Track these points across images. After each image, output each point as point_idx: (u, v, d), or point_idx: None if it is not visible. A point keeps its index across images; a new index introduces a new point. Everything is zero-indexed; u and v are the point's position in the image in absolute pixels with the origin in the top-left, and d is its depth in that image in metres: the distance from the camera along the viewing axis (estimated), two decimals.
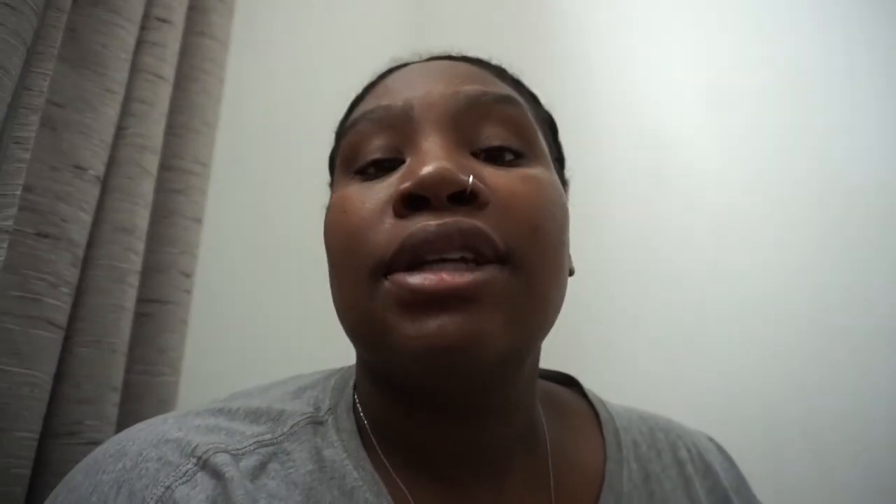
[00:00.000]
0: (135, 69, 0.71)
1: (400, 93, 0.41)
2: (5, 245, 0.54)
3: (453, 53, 0.47)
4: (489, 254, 0.35)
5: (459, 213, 0.36)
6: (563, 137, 0.50)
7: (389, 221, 0.37)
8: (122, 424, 0.64)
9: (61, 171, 0.62)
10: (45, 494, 0.56)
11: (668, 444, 0.49)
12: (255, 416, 0.41)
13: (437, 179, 0.35)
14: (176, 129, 0.79)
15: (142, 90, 0.72)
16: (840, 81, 1.10)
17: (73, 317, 0.62)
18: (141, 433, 0.39)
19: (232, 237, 0.94)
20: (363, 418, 0.43)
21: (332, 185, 0.47)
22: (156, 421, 0.41)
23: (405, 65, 0.46)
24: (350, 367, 0.47)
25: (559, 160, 0.48)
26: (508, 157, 0.40)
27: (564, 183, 0.48)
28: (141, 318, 0.71)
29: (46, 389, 0.57)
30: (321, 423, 0.41)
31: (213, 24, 0.86)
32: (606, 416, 0.49)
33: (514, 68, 0.49)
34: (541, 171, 0.41)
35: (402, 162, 0.39)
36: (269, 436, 0.40)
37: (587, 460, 0.46)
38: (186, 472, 0.36)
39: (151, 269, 0.73)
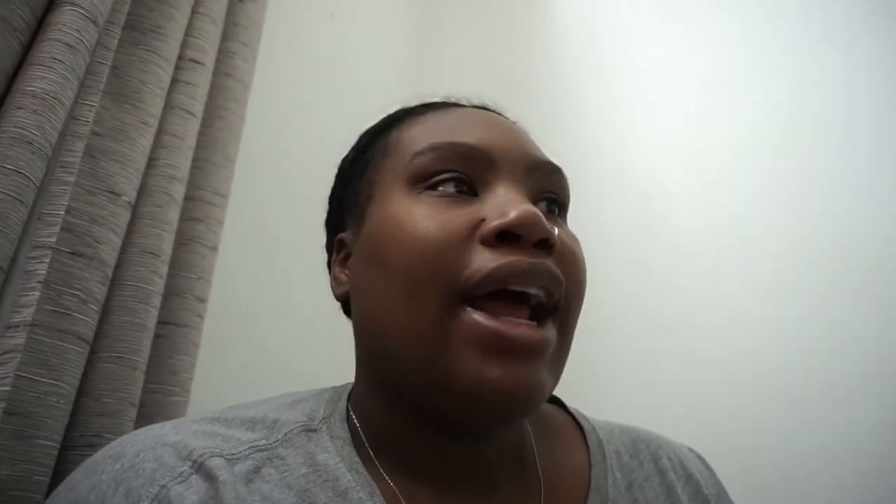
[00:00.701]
0: (168, 105, 0.77)
1: (480, 134, 0.45)
2: (47, 260, 0.58)
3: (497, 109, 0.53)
4: (556, 298, 0.41)
5: (540, 256, 0.40)
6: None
7: (478, 248, 0.40)
8: None
9: (97, 196, 0.66)
10: None
11: (649, 453, 0.52)
12: (250, 423, 0.43)
13: (535, 222, 0.39)
14: (199, 161, 0.83)
15: (173, 125, 0.77)
16: (832, 134, 1.19)
17: (99, 333, 0.65)
18: (139, 437, 0.41)
19: (243, 266, 0.98)
20: (358, 428, 0.45)
21: (367, 199, 0.47)
22: (154, 427, 0.43)
23: (464, 105, 0.51)
24: (344, 384, 0.50)
25: None
26: (558, 211, 0.47)
27: None
28: (157, 339, 0.74)
29: (70, 401, 0.60)
30: (315, 431, 0.44)
31: (237, 66, 0.92)
32: (589, 427, 0.52)
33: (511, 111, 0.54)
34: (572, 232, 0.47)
35: (474, 195, 0.43)
36: (263, 441, 0.42)
37: (574, 468, 0.49)
38: (181, 473, 0.38)
39: (168, 293, 0.77)
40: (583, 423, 0.53)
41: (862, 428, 1.02)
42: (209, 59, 0.84)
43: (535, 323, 0.40)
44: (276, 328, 1.05)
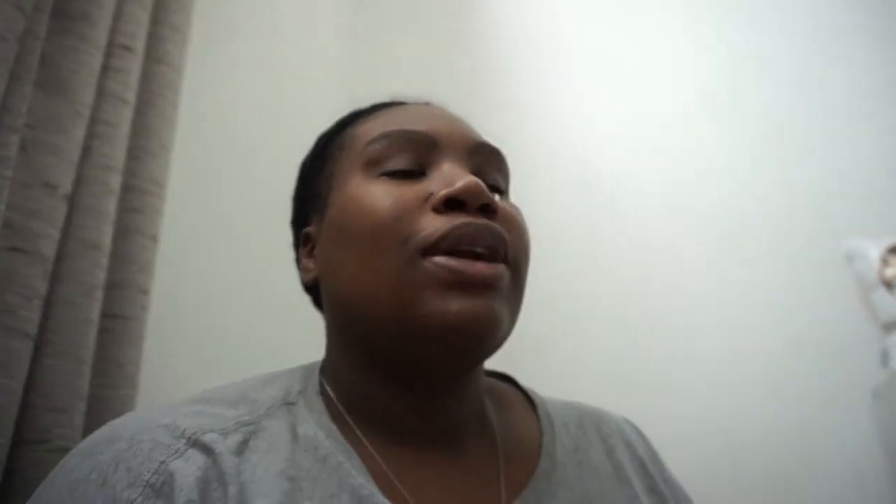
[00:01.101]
0: (100, 93, 0.75)
1: (425, 123, 0.51)
2: None
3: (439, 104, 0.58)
4: (502, 254, 0.46)
5: (484, 219, 0.45)
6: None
7: (430, 215, 0.45)
8: (86, 434, 0.66)
9: (33, 189, 0.64)
10: (15, 500, 0.59)
11: (592, 424, 0.59)
12: (232, 402, 0.46)
13: (478, 190, 0.45)
14: (134, 150, 0.82)
15: (106, 113, 0.75)
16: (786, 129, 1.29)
17: (43, 328, 0.64)
18: (129, 421, 0.43)
19: (186, 255, 0.97)
20: (333, 399, 0.49)
21: (328, 190, 0.52)
22: (139, 412, 0.45)
23: (410, 103, 0.56)
24: (312, 362, 0.53)
25: None
26: (498, 192, 0.52)
27: None
28: (101, 332, 0.73)
29: (19, 397, 0.59)
30: (293, 404, 0.47)
31: (168, 52, 0.90)
32: (539, 401, 0.58)
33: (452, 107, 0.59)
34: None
35: (422, 174, 0.48)
36: (247, 417, 0.45)
37: (527, 434, 0.54)
38: (178, 449, 0.40)
39: (110, 285, 0.76)
40: (534, 397, 0.59)
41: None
42: (140, 45, 0.82)
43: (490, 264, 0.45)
44: (221, 317, 1.04)
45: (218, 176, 1.10)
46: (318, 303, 0.57)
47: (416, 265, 0.44)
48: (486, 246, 0.44)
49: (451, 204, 0.45)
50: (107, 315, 0.75)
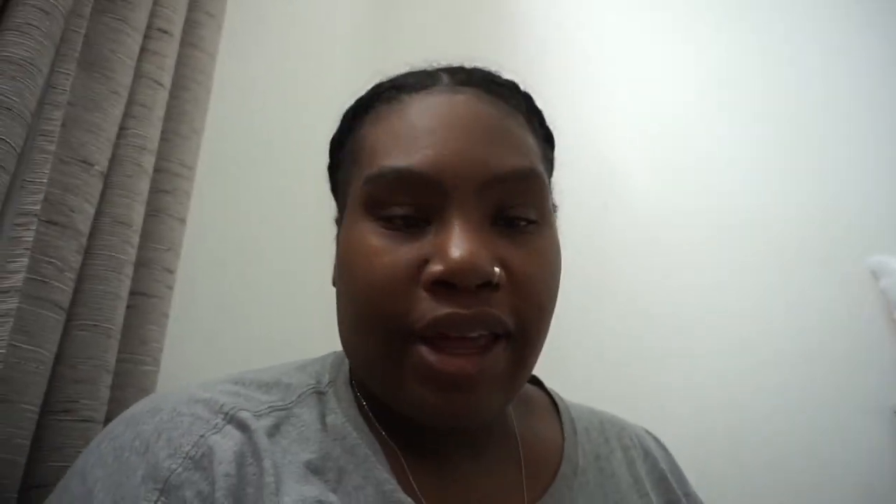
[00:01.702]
0: (137, 75, 0.76)
1: (429, 153, 0.43)
2: (33, 228, 0.58)
3: (471, 68, 0.50)
4: (500, 333, 0.42)
5: (482, 295, 0.41)
6: None
7: (420, 295, 0.41)
8: (111, 407, 0.68)
9: (70, 165, 0.66)
10: (41, 467, 0.60)
11: (614, 433, 0.58)
12: (266, 387, 0.47)
13: (470, 270, 0.40)
14: (166, 133, 0.83)
15: (143, 95, 0.77)
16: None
17: (74, 301, 0.65)
18: (171, 395, 0.44)
19: (211, 238, 0.98)
20: (358, 393, 0.49)
21: (340, 205, 0.51)
22: (182, 386, 0.46)
23: (417, 90, 0.48)
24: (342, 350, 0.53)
25: (550, 171, 0.53)
26: (523, 223, 0.45)
27: (554, 209, 0.52)
28: (127, 309, 0.75)
29: (49, 367, 0.61)
30: (323, 394, 0.48)
31: (203, 37, 0.92)
32: (563, 406, 0.58)
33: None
34: (548, 239, 0.46)
35: (428, 222, 0.43)
36: (280, 403, 0.46)
37: (549, 438, 0.54)
38: (216, 424, 0.42)
39: (138, 264, 0.77)
40: (558, 401, 0.58)
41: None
42: (177, 29, 0.84)
43: (476, 352, 0.41)
44: (243, 300, 1.06)
45: (245, 161, 1.11)
46: None
47: (402, 351, 0.42)
48: (479, 332, 0.41)
49: (444, 283, 0.41)
50: (133, 292, 0.76)
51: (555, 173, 0.54)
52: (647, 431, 0.63)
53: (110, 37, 0.72)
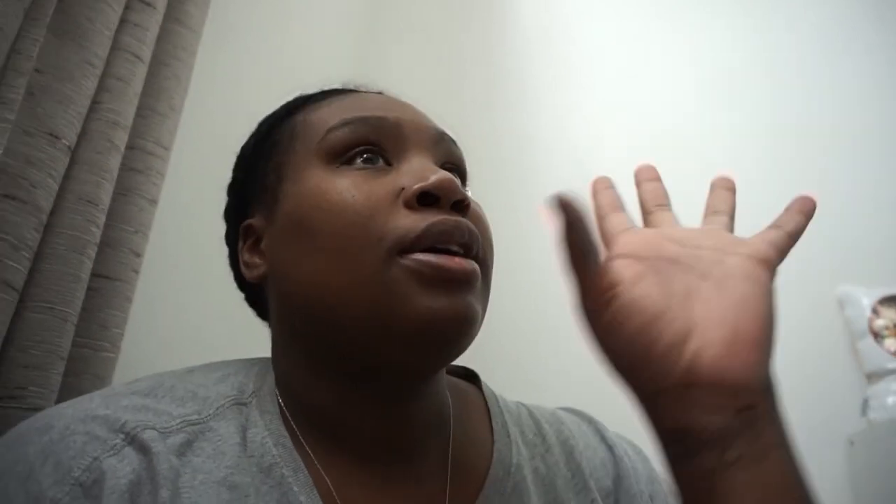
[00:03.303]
0: (115, 47, 0.73)
1: (387, 110, 0.48)
2: None
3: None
4: (474, 251, 0.44)
5: (457, 216, 0.44)
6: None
7: (403, 212, 0.42)
8: (61, 394, 0.64)
9: (35, 137, 0.62)
10: None
11: (552, 430, 0.55)
12: (181, 399, 0.44)
13: (453, 186, 0.43)
14: (142, 110, 0.80)
15: (119, 68, 0.73)
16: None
17: (29, 282, 0.62)
18: (66, 409, 0.41)
19: (183, 221, 0.94)
20: (283, 403, 0.46)
21: (277, 180, 0.48)
22: (81, 399, 0.43)
23: (363, 91, 0.54)
24: (269, 357, 0.50)
25: None
26: (460, 179, 0.50)
27: None
28: (88, 291, 0.71)
29: None
30: (245, 405, 0.45)
31: (188, 13, 0.88)
32: (496, 409, 0.54)
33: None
34: None
35: (388, 165, 0.46)
36: (195, 416, 0.42)
37: (480, 439, 0.51)
38: (114, 445, 0.38)
39: (103, 245, 0.73)
40: (491, 404, 0.55)
41: None
42: (160, 2, 0.80)
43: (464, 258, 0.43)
44: (211, 287, 1.02)
45: (223, 144, 1.07)
46: (253, 301, 0.53)
47: (393, 264, 0.41)
48: (460, 244, 0.43)
49: (425, 199, 0.43)
50: (96, 275, 0.72)
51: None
52: (591, 421, 0.59)
53: (88, 4, 0.68)
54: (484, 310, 0.46)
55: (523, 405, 0.58)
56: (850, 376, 1.33)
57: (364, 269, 0.41)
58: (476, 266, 0.43)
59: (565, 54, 1.51)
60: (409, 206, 0.43)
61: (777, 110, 1.41)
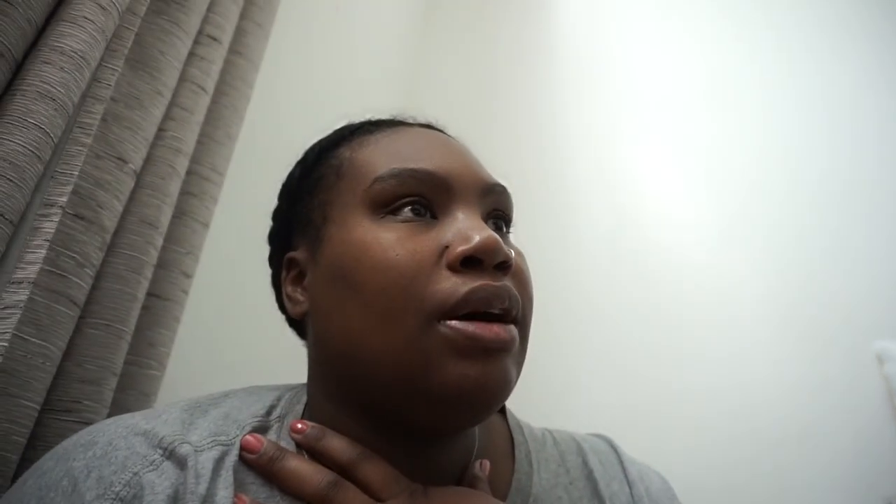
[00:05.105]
0: (182, 78, 0.76)
1: (436, 160, 0.47)
2: (56, 219, 0.57)
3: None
4: (515, 314, 0.44)
5: (499, 278, 0.43)
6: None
7: (445, 273, 0.42)
8: (112, 409, 0.66)
9: (105, 161, 0.65)
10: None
11: (577, 462, 0.55)
12: (214, 419, 0.45)
13: (496, 248, 0.42)
14: (201, 137, 0.83)
15: (185, 98, 0.76)
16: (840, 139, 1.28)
17: (90, 299, 0.64)
18: (109, 426, 0.43)
19: (231, 245, 0.97)
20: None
21: (322, 219, 0.49)
22: (123, 416, 0.45)
23: (411, 124, 0.54)
24: (303, 384, 0.52)
25: None
26: (505, 229, 0.51)
27: None
28: (140, 310, 0.73)
29: (56, 363, 0.59)
30: (268, 429, 0.46)
31: (249, 45, 0.92)
32: (521, 439, 0.55)
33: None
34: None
35: (433, 218, 0.46)
36: (224, 437, 0.44)
37: (502, 468, 0.51)
38: (153, 461, 0.40)
39: (156, 266, 0.76)
40: (515, 434, 0.55)
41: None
42: (226, 37, 0.84)
43: (501, 324, 0.43)
44: (255, 312, 1.04)
45: (273, 171, 1.11)
46: (293, 322, 0.54)
47: (431, 330, 0.41)
48: (501, 307, 0.42)
49: (468, 262, 0.42)
50: (148, 294, 0.75)
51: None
52: (609, 442, 0.59)
53: (161, 38, 0.72)
54: (519, 368, 0.46)
55: (549, 433, 0.58)
56: (890, 434, 1.29)
57: (402, 332, 0.41)
58: (514, 333, 0.43)
59: (609, 57, 1.54)
60: (451, 268, 0.42)
61: (831, 172, 1.40)
